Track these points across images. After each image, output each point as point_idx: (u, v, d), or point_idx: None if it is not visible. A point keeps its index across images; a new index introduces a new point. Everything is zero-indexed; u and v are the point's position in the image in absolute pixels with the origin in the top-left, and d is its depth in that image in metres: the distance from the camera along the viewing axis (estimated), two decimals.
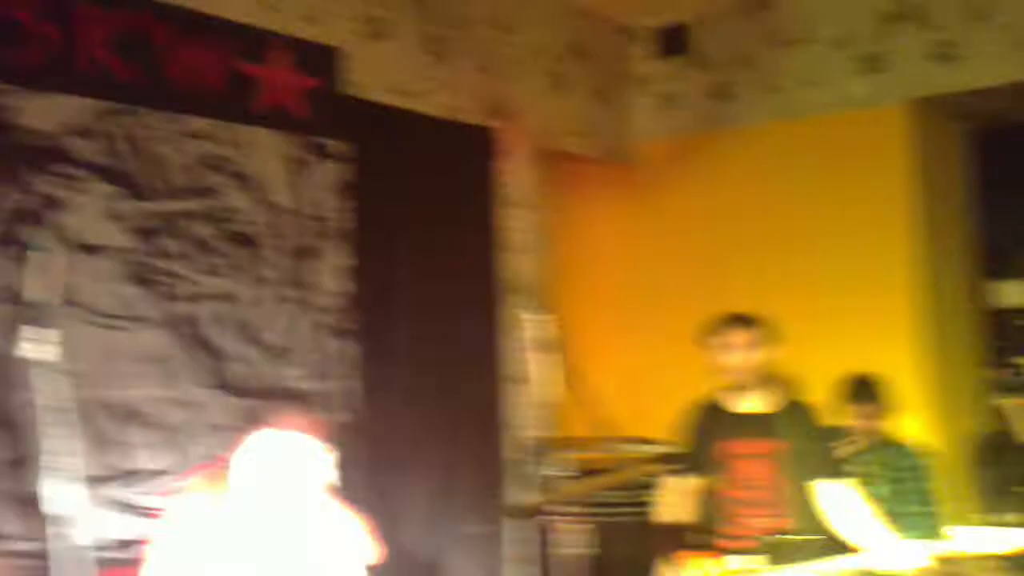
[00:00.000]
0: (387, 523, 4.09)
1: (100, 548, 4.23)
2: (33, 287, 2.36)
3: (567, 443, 5.35)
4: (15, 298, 3.96)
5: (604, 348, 5.99)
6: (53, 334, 2.40)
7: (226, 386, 4.71)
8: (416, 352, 5.36)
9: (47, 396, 2.38)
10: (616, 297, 6.85)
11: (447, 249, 5.47)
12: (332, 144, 5.14)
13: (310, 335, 5.00)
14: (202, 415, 4.61)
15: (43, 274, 2.38)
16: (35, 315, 2.35)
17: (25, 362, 2.37)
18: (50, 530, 4.05)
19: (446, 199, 5.48)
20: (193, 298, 4.61)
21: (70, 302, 4.17)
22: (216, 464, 3.99)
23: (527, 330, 5.75)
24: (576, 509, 3.38)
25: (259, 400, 4.76)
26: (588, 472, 4.74)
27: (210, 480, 3.82)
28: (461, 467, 5.49)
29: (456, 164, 5.51)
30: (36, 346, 2.33)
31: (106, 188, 4.36)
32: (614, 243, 6.98)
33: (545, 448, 5.28)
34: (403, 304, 5.33)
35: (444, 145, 5.47)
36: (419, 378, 5.36)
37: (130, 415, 4.38)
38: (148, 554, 3.70)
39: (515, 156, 5.82)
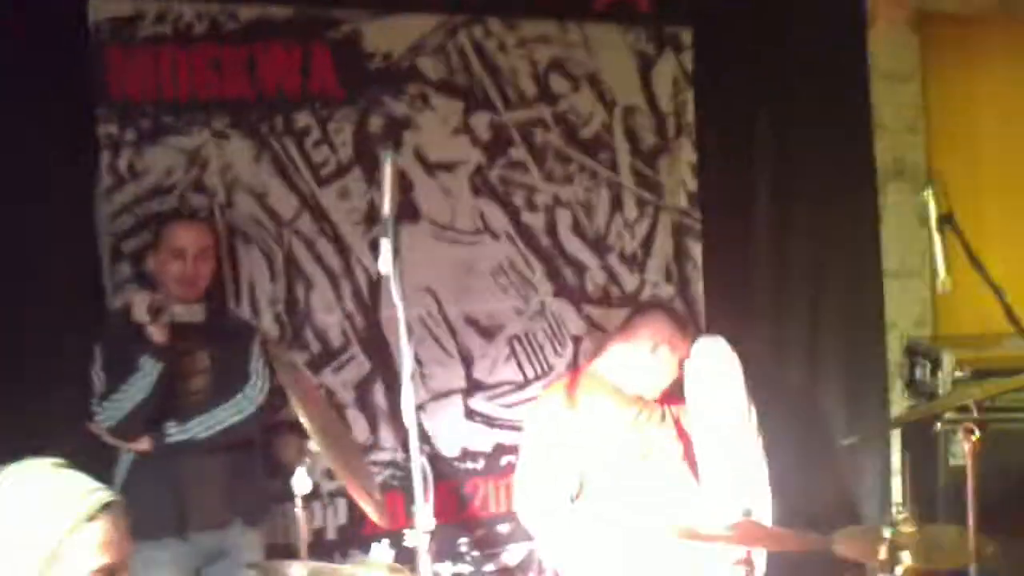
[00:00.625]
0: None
1: (463, 459, 4.36)
2: (387, 201, 2.29)
3: (959, 341, 4.73)
4: (370, 217, 4.15)
5: (994, 237, 5.17)
6: (404, 247, 2.32)
7: (583, 295, 4.60)
8: (776, 251, 4.92)
9: (406, 310, 2.31)
10: (1008, 180, 5.89)
11: (808, 135, 4.92)
12: (676, 33, 4.78)
13: (665, 239, 4.74)
14: (559, 326, 4.55)
15: (395, 187, 2.30)
16: (389, 229, 2.28)
17: (384, 277, 2.32)
18: (413, 442, 4.23)
19: (805, 79, 4.91)
20: (546, 208, 4.52)
21: (424, 219, 4.25)
22: (574, 374, 3.94)
23: (907, 219, 5.16)
24: (970, 416, 2.89)
25: (617, 308, 4.61)
26: (983, 373, 4.17)
27: (569, 391, 3.76)
28: (835, 375, 5.01)
29: (815, 39, 4.91)
30: (391, 260, 2.27)
31: (454, 103, 4.35)
32: (1008, 118, 5.99)
33: (934, 349, 4.70)
34: (760, 199, 4.90)
35: (800, 18, 4.89)
36: (780, 280, 4.92)
37: (487, 328, 4.41)
38: (514, 465, 3.76)
39: (887, 22, 5.11)
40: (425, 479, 2.36)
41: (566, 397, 3.74)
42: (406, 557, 2.95)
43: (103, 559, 1.90)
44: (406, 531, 2.39)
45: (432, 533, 2.33)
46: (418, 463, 2.37)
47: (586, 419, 3.68)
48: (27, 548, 1.84)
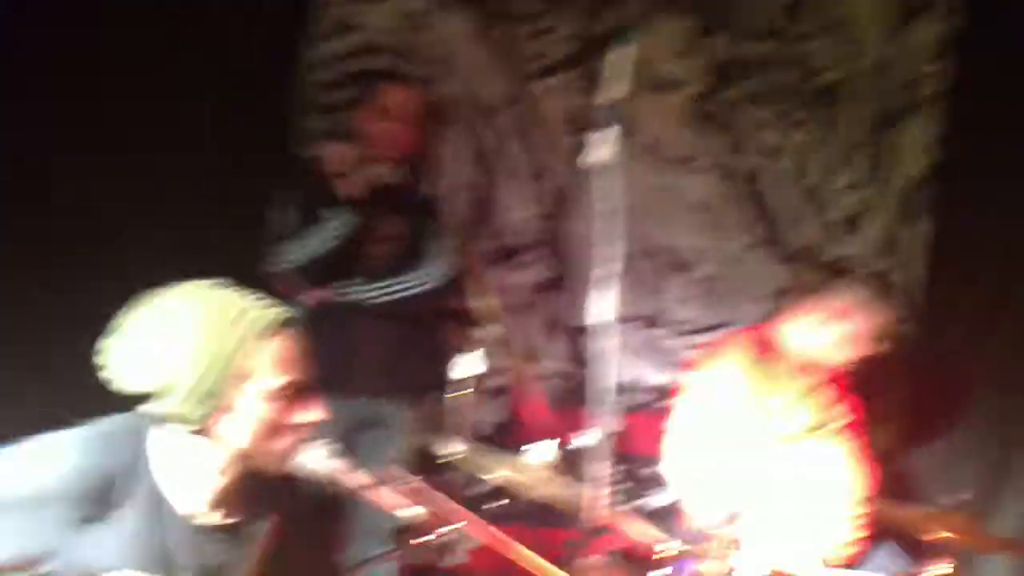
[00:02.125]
0: None
1: (632, 389, 4.15)
2: (616, 87, 2.09)
3: None
4: (581, 119, 3.94)
5: None
6: (617, 134, 2.11)
7: (779, 250, 4.28)
8: (1012, 241, 4.42)
9: (605, 200, 2.11)
10: None
11: None
12: None
13: (890, 208, 4.36)
14: (749, 276, 4.26)
15: (627, 77, 2.09)
16: (606, 118, 2.08)
17: (593, 168, 2.12)
18: (585, 353, 4.06)
19: None
20: (759, 151, 4.21)
21: (634, 136, 4.01)
22: (754, 331, 3.61)
23: None
24: None
25: (812, 270, 4.28)
26: None
27: (745, 347, 3.46)
28: None
29: None
30: (602, 150, 2.06)
31: (691, 20, 4.09)
32: None
33: None
34: (1004, 184, 4.42)
35: None
36: (1010, 271, 4.40)
37: (674, 263, 4.17)
38: (675, 405, 3.52)
39: None
40: (604, 391, 2.16)
41: (742, 355, 3.43)
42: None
43: (288, 375, 1.79)
44: (576, 435, 2.20)
45: (599, 443, 2.13)
46: (599, 373, 2.16)
47: (758, 382, 3.38)
48: (208, 368, 1.74)
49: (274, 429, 1.79)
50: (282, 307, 1.84)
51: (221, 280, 1.86)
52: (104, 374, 1.77)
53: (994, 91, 4.29)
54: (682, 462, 3.32)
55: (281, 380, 1.78)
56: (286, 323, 1.81)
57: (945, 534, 2.46)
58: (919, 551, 3.13)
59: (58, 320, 3.06)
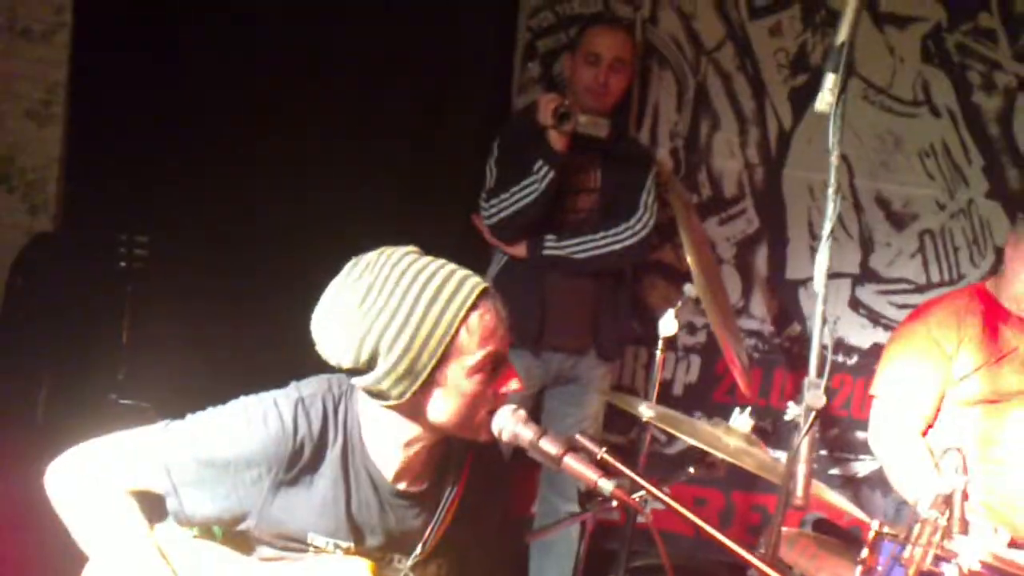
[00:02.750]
0: None
1: (835, 350, 3.93)
2: (844, 28, 1.91)
3: None
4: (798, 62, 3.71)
5: None
6: (841, 78, 1.95)
7: (1018, 203, 3.90)
8: None
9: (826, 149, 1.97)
10: None
11: None
12: None
13: None
14: (985, 231, 3.92)
15: (857, 15, 1.91)
16: (841, 61, 1.91)
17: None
18: (818, 308, 3.89)
19: None
20: (1006, 91, 3.83)
21: (858, 75, 3.75)
22: (975, 292, 3.29)
23: None
24: None
25: None
26: None
27: (966, 307, 3.16)
28: None
29: None
30: (826, 96, 1.90)
31: None
32: None
33: None
34: None
35: None
36: None
37: (893, 215, 3.89)
38: (880, 369, 3.28)
39: None
40: (825, 358, 2.01)
41: (932, 317, 3.13)
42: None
43: (489, 347, 1.76)
44: (789, 405, 2.08)
45: (816, 415, 2.00)
46: (819, 333, 2.02)
47: (971, 344, 3.08)
48: (410, 346, 1.72)
49: (476, 402, 1.78)
50: (476, 276, 1.80)
51: (415, 249, 1.83)
52: (317, 347, 1.79)
53: None
54: (889, 432, 3.10)
55: (482, 353, 1.75)
56: (485, 294, 1.78)
57: None
58: None
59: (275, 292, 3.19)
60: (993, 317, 3.11)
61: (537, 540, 3.57)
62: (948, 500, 2.08)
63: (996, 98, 3.83)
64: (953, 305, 3.14)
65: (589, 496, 2.84)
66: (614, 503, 2.71)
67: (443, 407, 1.77)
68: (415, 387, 1.74)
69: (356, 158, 3.49)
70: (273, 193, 3.45)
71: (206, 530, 1.90)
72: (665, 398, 3.61)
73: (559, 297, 3.28)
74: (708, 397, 3.87)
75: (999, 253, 3.91)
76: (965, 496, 2.07)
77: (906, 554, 2.10)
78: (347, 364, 1.75)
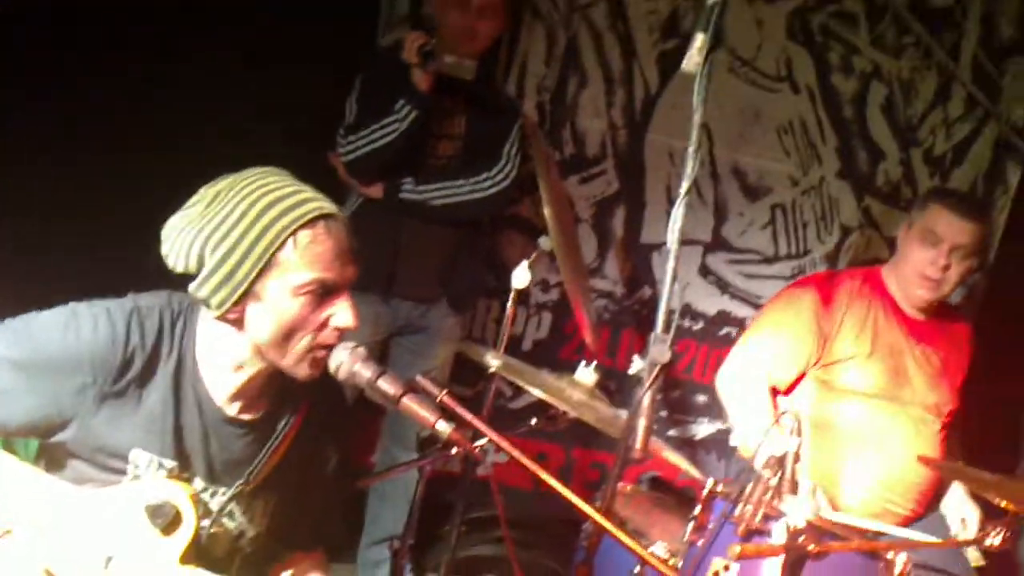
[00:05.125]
0: None
1: (682, 315, 4.01)
2: None
3: None
4: (668, 27, 3.71)
5: None
6: (707, 41, 1.93)
7: (870, 185, 4.04)
8: None
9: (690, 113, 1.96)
10: None
11: None
12: None
13: (983, 152, 4.08)
14: (833, 209, 4.04)
15: None
16: (710, 21, 1.90)
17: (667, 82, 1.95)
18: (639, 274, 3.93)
19: None
20: (861, 75, 3.92)
21: (725, 47, 3.79)
22: (847, 275, 3.37)
23: None
24: None
25: (903, 212, 4.05)
26: None
27: (827, 288, 3.24)
28: None
29: None
30: (702, 58, 1.89)
31: None
32: None
33: None
34: None
35: None
36: None
37: (747, 187, 3.96)
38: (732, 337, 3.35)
39: None
40: (672, 314, 2.02)
41: (822, 293, 3.19)
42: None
43: (317, 272, 1.69)
44: (634, 359, 2.08)
45: (646, 368, 2.00)
46: (669, 290, 2.02)
47: (838, 321, 3.15)
48: (233, 252, 1.66)
49: (296, 327, 1.71)
50: (325, 201, 1.75)
51: (275, 169, 1.79)
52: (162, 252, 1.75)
53: None
54: (738, 396, 3.15)
55: (309, 276, 1.69)
56: (323, 218, 1.71)
57: (1004, 503, 2.31)
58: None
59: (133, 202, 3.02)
60: (881, 307, 3.18)
61: (374, 487, 3.52)
62: (780, 461, 2.12)
63: (853, 81, 3.93)
64: (847, 286, 3.20)
65: (428, 443, 2.80)
66: (453, 451, 2.71)
67: (262, 324, 1.71)
68: (235, 296, 1.68)
69: (212, 85, 3.32)
70: (131, 115, 3.24)
71: (7, 445, 1.78)
72: (514, 352, 3.60)
73: (413, 243, 3.21)
74: (556, 354, 3.88)
75: (844, 231, 4.06)
76: (797, 458, 2.10)
77: (737, 512, 2.14)
78: (180, 268, 1.70)
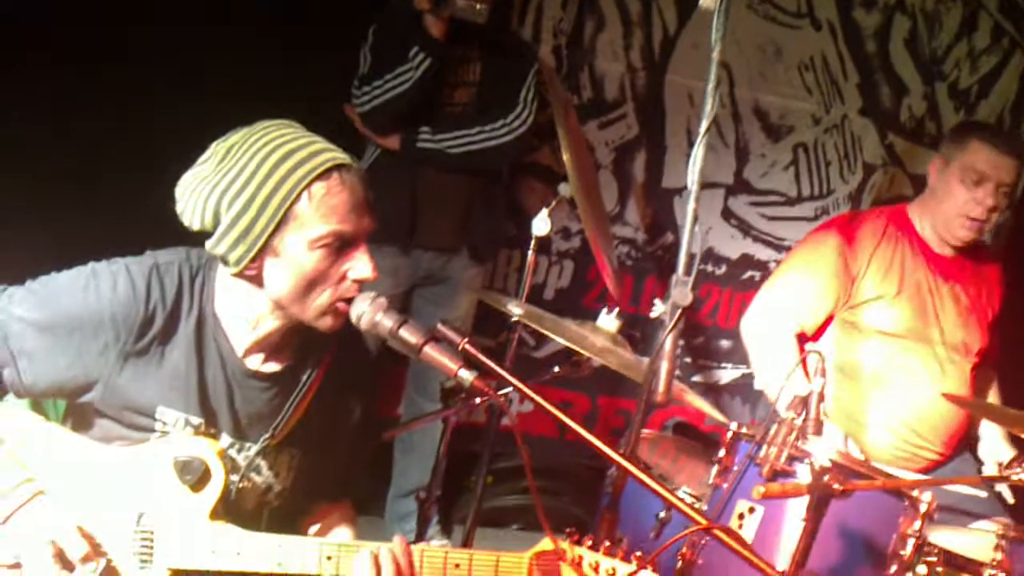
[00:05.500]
0: None
1: (704, 260, 3.98)
2: None
3: None
4: None
5: None
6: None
7: (893, 121, 3.97)
8: None
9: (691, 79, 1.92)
10: None
11: None
12: None
13: (1010, 83, 4.01)
14: (856, 147, 3.98)
15: None
16: None
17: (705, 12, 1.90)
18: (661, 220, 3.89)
19: None
20: (885, 6, 3.85)
21: None
22: (853, 217, 3.30)
23: None
24: None
25: (927, 148, 3.99)
26: None
27: (842, 231, 3.17)
28: None
29: None
30: None
31: None
32: None
33: None
34: None
35: None
36: None
37: (775, 127, 3.91)
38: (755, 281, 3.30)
39: None
40: (693, 257, 1.99)
41: (846, 234, 3.12)
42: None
43: (333, 224, 1.68)
44: (655, 302, 2.06)
45: (680, 314, 1.98)
46: (690, 232, 2.00)
47: (865, 262, 3.09)
48: (248, 207, 1.66)
49: (315, 281, 1.71)
50: (338, 152, 1.73)
51: (287, 121, 1.76)
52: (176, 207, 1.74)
53: None
54: (762, 340, 3.12)
55: (326, 228, 1.67)
56: (337, 169, 1.69)
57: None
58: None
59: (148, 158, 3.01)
60: (908, 245, 3.10)
61: (401, 440, 3.54)
62: (804, 401, 2.11)
63: (875, 15, 3.86)
64: (872, 226, 3.11)
65: (452, 393, 2.79)
66: (477, 400, 2.70)
67: (281, 279, 1.71)
68: (252, 252, 1.67)
69: (225, 41, 3.29)
70: (143, 71, 3.22)
71: (36, 406, 1.79)
72: (536, 301, 3.60)
73: (432, 193, 3.19)
74: (578, 302, 3.87)
75: (867, 169, 4.00)
76: (821, 398, 2.08)
77: (762, 453, 2.13)
78: (196, 225, 1.69)
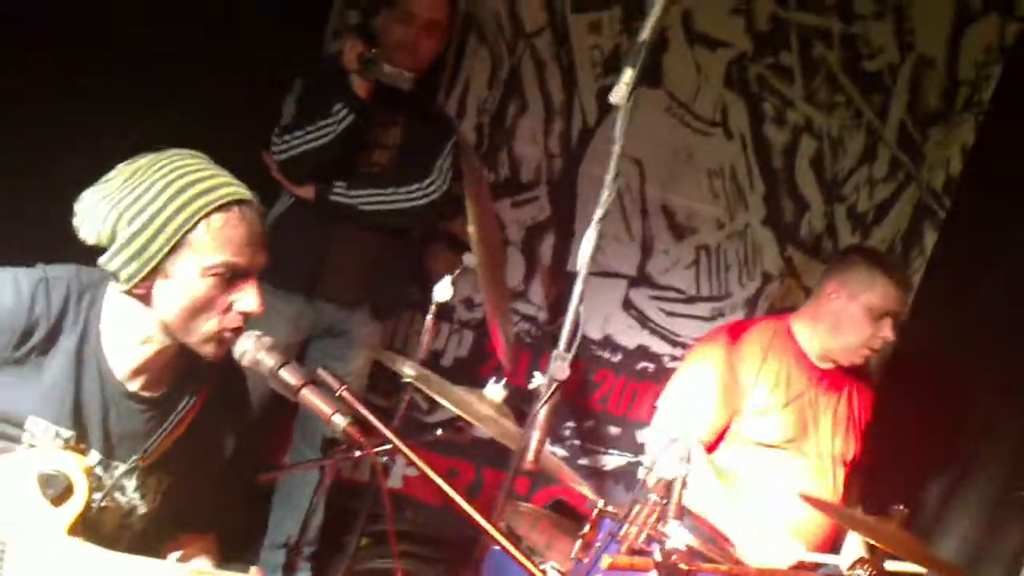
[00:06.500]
0: None
1: (602, 346, 4.08)
2: (648, 26, 1.97)
3: None
4: (611, 62, 3.81)
5: None
6: (634, 76, 2.00)
7: (793, 235, 4.17)
8: (1010, 284, 4.22)
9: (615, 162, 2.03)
10: None
11: None
12: None
13: (903, 212, 4.24)
14: (756, 255, 4.15)
15: (662, 16, 1.97)
16: (639, 58, 1.97)
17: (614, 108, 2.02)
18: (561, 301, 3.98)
19: None
20: (794, 128, 4.07)
21: (664, 88, 3.89)
22: (738, 328, 3.41)
23: None
24: None
25: (823, 263, 4.18)
26: None
27: (730, 345, 3.27)
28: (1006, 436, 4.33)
29: None
30: (627, 92, 1.96)
31: None
32: None
33: None
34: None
35: None
36: (998, 312, 4.20)
37: (680, 227, 4.07)
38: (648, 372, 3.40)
39: None
40: (575, 333, 2.08)
41: (734, 348, 3.22)
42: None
43: (227, 256, 1.73)
44: (534, 374, 2.14)
45: (556, 387, 2.06)
46: (575, 310, 2.09)
47: (754, 375, 3.21)
48: (145, 227, 1.70)
49: (203, 308, 1.75)
50: (240, 187, 1.79)
51: (194, 152, 1.82)
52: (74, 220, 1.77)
53: None
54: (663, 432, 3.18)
55: (220, 258, 1.73)
56: (238, 203, 1.76)
57: (871, 541, 2.40)
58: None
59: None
60: (793, 357, 3.22)
61: (280, 491, 3.52)
62: (669, 486, 2.19)
63: (785, 132, 4.07)
64: (761, 338, 3.21)
65: (332, 443, 2.82)
66: (356, 453, 2.73)
67: (170, 301, 1.75)
68: (145, 271, 1.72)
69: (148, 74, 3.32)
70: (47, 102, 3.22)
71: None
72: (435, 367, 3.65)
73: (341, 247, 3.24)
74: (476, 372, 3.93)
75: (765, 277, 4.17)
76: (684, 484, 2.16)
77: (622, 531, 2.19)
78: (92, 239, 1.73)
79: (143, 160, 1.78)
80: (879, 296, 3.14)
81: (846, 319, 3.17)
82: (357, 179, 3.22)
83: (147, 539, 1.93)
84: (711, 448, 3.20)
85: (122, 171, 1.77)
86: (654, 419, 3.23)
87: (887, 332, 3.15)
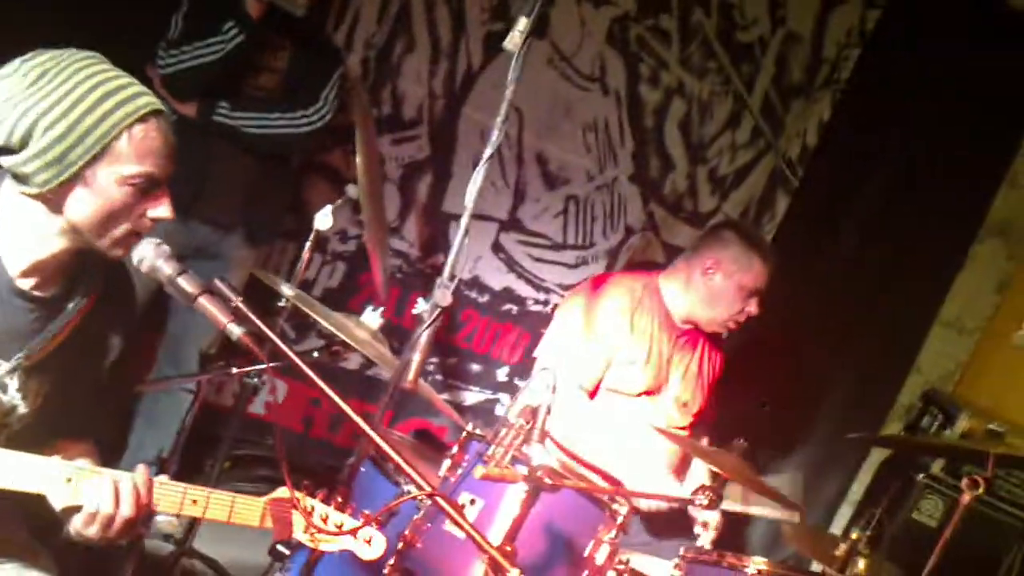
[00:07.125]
0: None
1: (470, 286, 4.20)
2: None
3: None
4: (500, 9, 3.89)
5: None
6: (528, 26, 2.10)
7: (656, 192, 4.38)
8: (854, 252, 4.59)
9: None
10: None
11: (942, 164, 4.52)
12: None
13: (760, 179, 4.51)
14: (621, 209, 4.34)
15: None
16: (534, 8, 2.07)
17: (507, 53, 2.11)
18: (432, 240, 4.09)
19: (966, 111, 4.48)
20: (666, 90, 4.25)
21: (548, 39, 4.00)
22: (640, 275, 3.56)
23: (986, 277, 4.92)
24: (981, 470, 2.69)
25: (682, 222, 4.42)
26: None
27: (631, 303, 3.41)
28: (847, 388, 4.76)
29: (992, 81, 4.46)
30: (522, 39, 2.06)
31: None
32: None
33: (955, 405, 4.51)
34: (866, 195, 4.58)
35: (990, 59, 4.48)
36: (843, 279, 4.57)
37: (553, 176, 4.21)
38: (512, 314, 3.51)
39: None
40: (458, 258, 2.20)
41: (628, 305, 3.37)
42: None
43: (147, 166, 1.76)
44: (419, 301, 2.25)
45: (439, 313, 2.17)
46: (461, 241, 2.21)
47: (618, 327, 3.31)
48: (66, 134, 1.71)
49: (118, 215, 1.78)
50: (155, 98, 1.81)
51: (99, 56, 1.81)
52: None
53: (894, 88, 4.43)
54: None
55: (139, 168, 1.75)
56: (156, 114, 1.78)
57: (714, 468, 2.63)
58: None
59: None
60: (658, 315, 3.37)
61: (141, 411, 3.49)
62: (535, 411, 2.33)
63: (658, 93, 4.25)
64: (629, 294, 3.33)
65: (210, 360, 2.86)
66: (234, 370, 2.78)
67: (84, 207, 1.76)
68: (62, 178, 1.73)
69: None
70: None
71: None
72: (307, 291, 3.69)
73: (220, 169, 3.24)
74: (345, 305, 3.97)
75: (628, 230, 4.37)
76: (548, 411, 2.31)
77: (489, 452, 2.33)
78: (2, 140, 1.70)
79: (47, 59, 1.75)
80: (754, 277, 3.33)
81: (720, 295, 3.35)
82: (242, 101, 3.22)
83: (25, 440, 1.93)
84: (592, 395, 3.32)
85: (23, 69, 1.74)
86: (534, 368, 3.35)
87: (754, 308, 3.37)
